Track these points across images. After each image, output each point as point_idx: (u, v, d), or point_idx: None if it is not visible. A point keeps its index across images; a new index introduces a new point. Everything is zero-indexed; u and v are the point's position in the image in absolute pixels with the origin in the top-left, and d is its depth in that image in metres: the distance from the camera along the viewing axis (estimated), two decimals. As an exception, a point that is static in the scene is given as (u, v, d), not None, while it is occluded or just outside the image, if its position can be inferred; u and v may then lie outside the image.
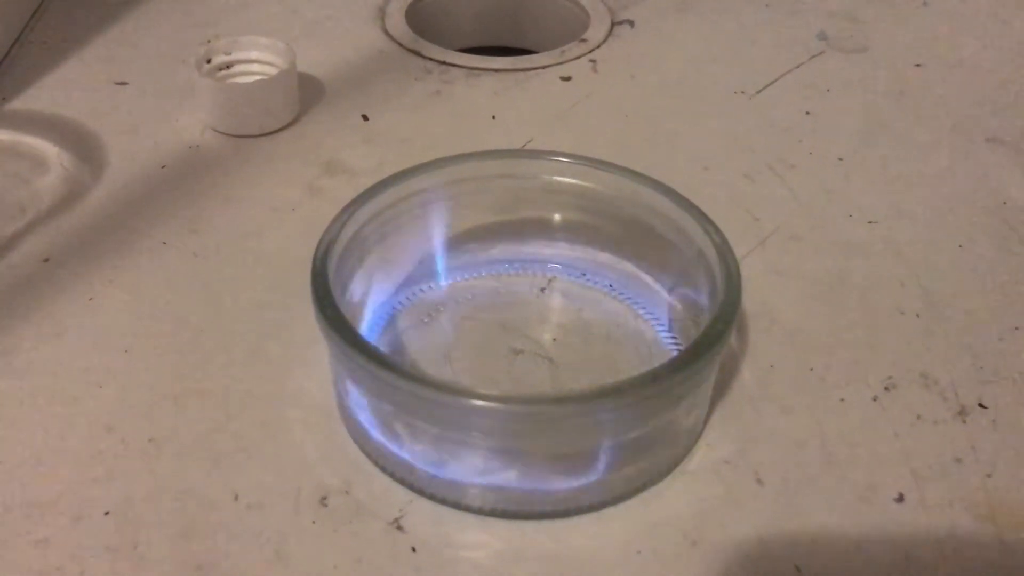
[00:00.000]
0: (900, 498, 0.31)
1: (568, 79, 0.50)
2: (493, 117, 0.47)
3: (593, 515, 0.30)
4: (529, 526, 0.30)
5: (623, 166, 0.35)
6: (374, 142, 0.45)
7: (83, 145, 0.44)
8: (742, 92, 0.49)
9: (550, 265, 0.37)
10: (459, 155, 0.35)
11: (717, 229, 0.32)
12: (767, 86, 0.50)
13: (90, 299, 0.37)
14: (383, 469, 0.31)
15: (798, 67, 0.51)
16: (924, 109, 0.49)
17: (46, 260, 0.38)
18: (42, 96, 0.47)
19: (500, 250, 0.37)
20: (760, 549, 0.29)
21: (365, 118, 0.46)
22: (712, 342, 0.29)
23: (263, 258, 0.39)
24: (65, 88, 0.48)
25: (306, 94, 0.47)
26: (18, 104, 0.47)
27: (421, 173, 0.34)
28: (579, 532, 0.30)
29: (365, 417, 0.30)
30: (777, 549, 0.29)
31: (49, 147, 0.44)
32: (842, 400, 0.34)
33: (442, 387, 0.27)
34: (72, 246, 0.39)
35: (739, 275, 0.31)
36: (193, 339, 0.35)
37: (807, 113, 0.48)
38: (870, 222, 0.41)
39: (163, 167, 0.43)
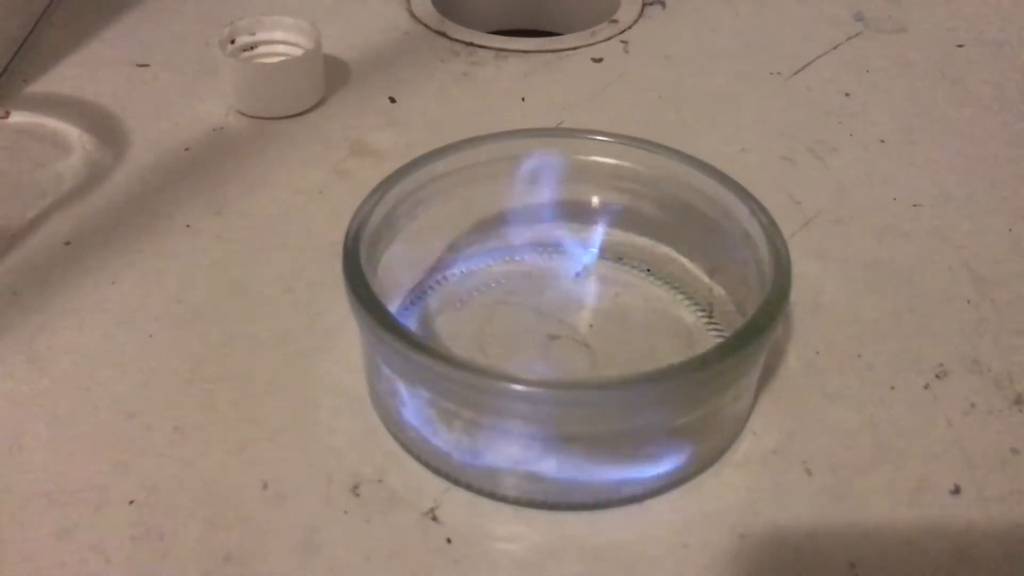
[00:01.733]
0: (956, 490, 0.29)
1: (599, 60, 0.48)
2: (523, 99, 0.45)
3: (635, 506, 0.29)
4: (568, 517, 0.28)
5: (662, 144, 0.34)
6: (401, 124, 0.44)
7: (105, 127, 0.43)
8: (778, 73, 0.48)
9: (586, 249, 0.36)
10: (493, 134, 0.34)
11: (764, 209, 0.31)
12: (803, 67, 0.48)
13: (112, 283, 0.36)
14: (417, 457, 0.30)
15: (835, 48, 0.50)
16: (967, 90, 0.47)
17: (67, 243, 0.37)
18: (63, 78, 0.46)
19: (534, 233, 0.36)
20: (811, 543, 0.28)
21: (392, 100, 0.45)
22: (762, 327, 0.27)
23: (289, 241, 0.37)
24: (86, 70, 0.47)
25: (332, 76, 0.46)
26: (39, 87, 0.46)
27: (453, 152, 0.33)
28: (621, 524, 0.28)
29: (398, 403, 0.29)
30: (829, 544, 0.28)
31: (71, 129, 0.43)
32: (892, 388, 0.32)
33: (480, 371, 0.26)
34: (94, 229, 0.38)
35: (788, 257, 0.30)
36: (218, 324, 0.34)
37: (846, 95, 0.47)
38: (915, 205, 0.40)
39: (187, 149, 0.42)
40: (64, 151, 0.42)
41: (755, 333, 0.27)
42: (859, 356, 0.33)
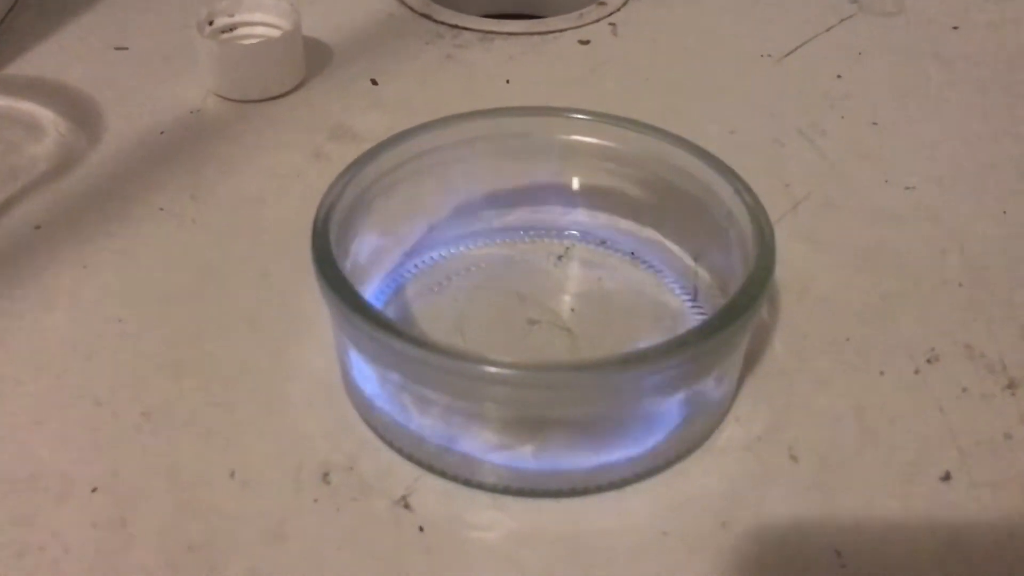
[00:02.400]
0: (947, 477, 0.28)
1: (586, 43, 0.47)
2: (507, 81, 0.44)
3: (614, 493, 0.28)
4: (545, 505, 0.28)
5: (645, 123, 0.33)
6: (383, 107, 0.43)
7: (80, 111, 0.42)
8: (769, 56, 0.47)
9: (568, 232, 0.35)
10: (470, 112, 0.33)
11: (749, 188, 0.30)
12: (795, 50, 0.47)
13: (83, 267, 0.35)
14: (389, 444, 0.29)
15: (828, 30, 0.49)
16: (962, 72, 0.46)
17: (38, 227, 0.36)
18: (39, 61, 0.45)
19: (515, 216, 0.35)
20: (796, 532, 0.27)
21: (374, 83, 0.44)
22: (745, 306, 0.26)
23: (265, 226, 0.37)
24: (63, 53, 0.46)
25: (312, 58, 0.45)
26: (14, 69, 0.45)
27: (430, 131, 0.32)
28: (599, 512, 0.27)
29: (370, 388, 0.28)
30: (815, 532, 0.27)
31: (45, 112, 0.42)
32: (882, 373, 0.31)
33: (453, 353, 0.25)
34: (66, 213, 0.37)
35: (773, 235, 0.29)
36: (190, 309, 0.33)
37: (838, 77, 0.46)
38: (907, 188, 0.39)
39: (162, 133, 0.41)
40: (37, 134, 0.41)
41: (737, 314, 0.26)
42: (848, 340, 0.32)
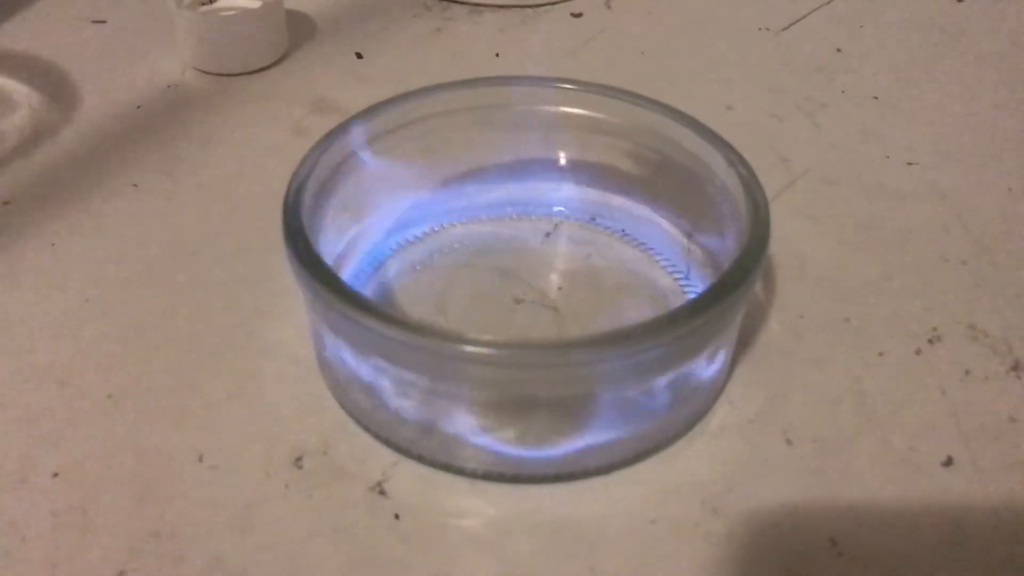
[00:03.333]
0: (948, 461, 0.27)
1: (579, 15, 0.46)
2: (497, 55, 0.43)
3: (600, 479, 0.26)
4: (528, 491, 0.26)
5: (636, 93, 0.31)
6: (368, 81, 0.41)
7: (53, 84, 0.41)
8: (767, 29, 0.45)
9: (556, 208, 0.34)
10: (453, 82, 0.32)
11: (743, 160, 0.29)
12: (794, 23, 0.46)
13: (52, 244, 0.33)
14: (365, 427, 0.27)
15: (828, 3, 0.48)
16: (966, 46, 0.45)
17: (6, 203, 0.35)
18: (14, 34, 0.44)
19: (500, 191, 0.34)
20: (790, 519, 0.26)
21: (359, 56, 0.43)
22: (738, 282, 0.25)
23: (243, 202, 0.35)
24: (39, 27, 0.45)
25: (295, 32, 0.44)
26: (-12, 43, 0.43)
27: (409, 101, 0.31)
28: (584, 498, 0.26)
29: (345, 369, 0.27)
30: (809, 519, 0.26)
31: (17, 86, 0.41)
32: (881, 354, 0.30)
33: (430, 332, 0.24)
34: (36, 189, 0.36)
35: (767, 208, 0.27)
36: (161, 287, 0.32)
37: (838, 51, 0.44)
38: (909, 164, 0.38)
39: (138, 108, 0.40)
40: (9, 108, 0.39)
41: (730, 289, 0.25)
42: (847, 320, 0.31)
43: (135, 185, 0.36)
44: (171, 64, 0.42)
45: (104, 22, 0.45)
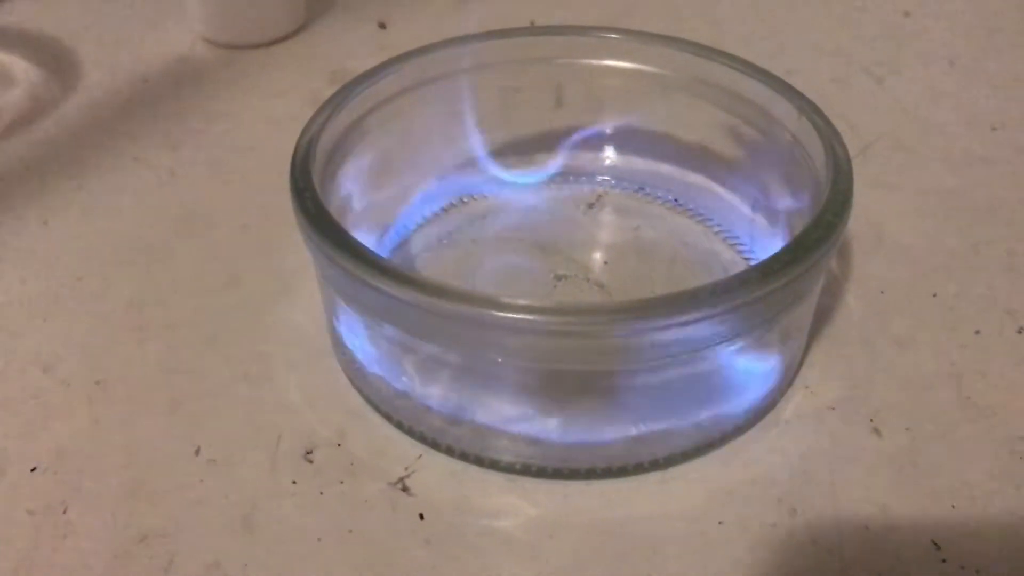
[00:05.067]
0: (1067, 454, 0.23)
1: (621, -18, 0.43)
2: (532, 22, 0.40)
3: (657, 474, 0.23)
4: (573, 488, 0.23)
5: (688, 40, 0.28)
6: (390, 51, 0.37)
7: (56, 60, 0.38)
8: (826, -6, 0.42)
9: (600, 177, 0.30)
10: (483, 32, 0.28)
11: (816, 108, 0.25)
12: (856, -13, 0.42)
13: (44, 222, 0.30)
14: (386, 416, 0.24)
15: (891, -32, 0.44)
16: (1047, 8, 0.41)
17: (-3, 180, 0.32)
18: (19, 10, 0.41)
19: (537, 158, 0.30)
20: (884, 519, 0.22)
21: (382, 26, 0.40)
22: (818, 240, 0.21)
23: (254, 175, 0.32)
24: (45, 2, 0.42)
25: (314, 1, 0.41)
26: (-9, 19, 0.41)
27: (436, 53, 0.28)
28: (639, 496, 0.22)
29: (362, 348, 0.24)
30: (906, 519, 0.22)
31: (17, 61, 0.38)
32: (978, 333, 0.26)
33: (461, 297, 0.20)
34: (30, 165, 0.33)
35: (848, 157, 0.24)
36: (161, 266, 0.29)
37: (906, 15, 0.40)
38: (994, 129, 0.34)
39: (145, 81, 0.37)
40: (6, 84, 0.37)
41: (808, 248, 0.21)
42: (934, 296, 0.27)
43: (136, 159, 0.33)
44: (181, 37, 0.39)
45: (113, -3, 0.42)
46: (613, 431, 0.22)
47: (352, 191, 0.26)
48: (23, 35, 0.40)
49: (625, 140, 0.30)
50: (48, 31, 0.40)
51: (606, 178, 0.30)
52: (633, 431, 0.22)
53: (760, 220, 0.28)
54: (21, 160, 0.33)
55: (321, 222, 0.22)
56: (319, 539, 0.22)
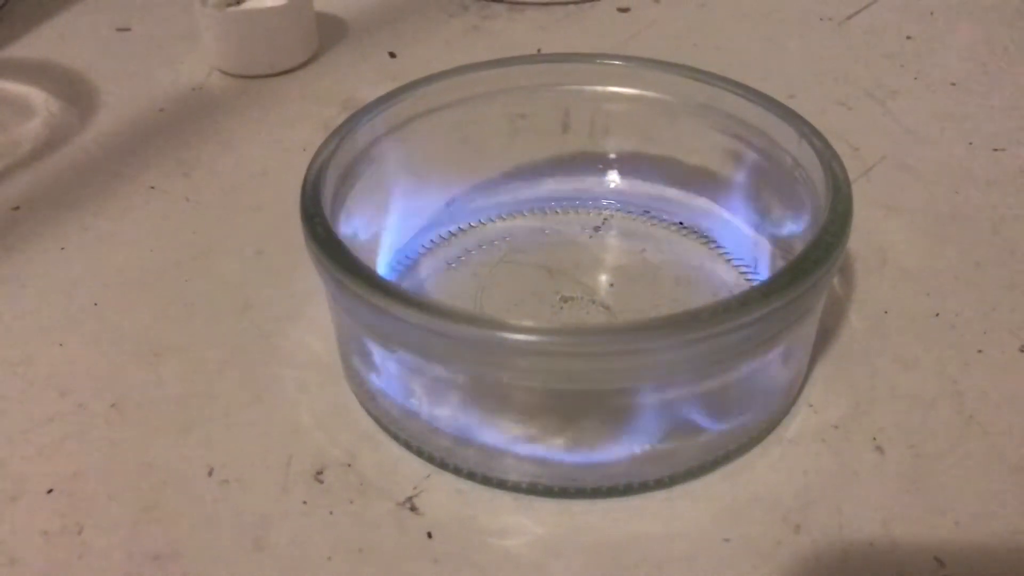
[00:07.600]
0: (1069, 471, 0.23)
1: (626, 10, 0.43)
2: (539, 50, 0.40)
3: (663, 492, 0.23)
4: (580, 507, 0.23)
5: (692, 67, 0.28)
6: (401, 81, 0.38)
7: (74, 91, 0.39)
8: (829, 19, 0.42)
9: (605, 200, 0.31)
10: (491, 60, 0.29)
11: (816, 132, 0.26)
12: (858, 12, 0.43)
13: (62, 248, 0.31)
14: (395, 436, 0.24)
15: (894, -8, 0.44)
16: (1049, 31, 0.41)
17: (16, 208, 0.33)
18: (39, 44, 0.42)
19: (543, 182, 0.31)
20: (887, 536, 0.22)
21: (392, 56, 0.40)
22: (818, 261, 0.22)
23: (266, 202, 0.33)
24: (62, 35, 0.43)
25: (326, 33, 0.41)
26: (14, 51, 0.42)
27: (445, 81, 0.28)
28: (645, 514, 0.23)
29: (371, 370, 0.24)
30: (910, 536, 0.22)
31: (36, 93, 0.39)
32: (980, 352, 0.26)
33: (468, 319, 0.21)
34: (48, 193, 0.33)
35: (847, 180, 0.24)
36: (176, 291, 0.29)
37: (908, 38, 0.41)
38: (996, 150, 0.34)
39: (160, 110, 0.38)
40: (26, 115, 0.38)
41: (808, 269, 0.22)
42: (937, 315, 0.28)
43: (152, 187, 0.33)
44: (196, 67, 0.40)
45: (129, 30, 0.43)
46: (619, 450, 0.23)
47: (362, 216, 0.27)
48: (42, 67, 0.41)
49: (630, 164, 0.30)
50: (66, 63, 0.41)
51: (612, 202, 0.31)
52: (638, 450, 0.23)
53: (763, 242, 0.28)
54: (40, 187, 0.34)
55: (331, 247, 0.23)
56: (329, 558, 0.22)
